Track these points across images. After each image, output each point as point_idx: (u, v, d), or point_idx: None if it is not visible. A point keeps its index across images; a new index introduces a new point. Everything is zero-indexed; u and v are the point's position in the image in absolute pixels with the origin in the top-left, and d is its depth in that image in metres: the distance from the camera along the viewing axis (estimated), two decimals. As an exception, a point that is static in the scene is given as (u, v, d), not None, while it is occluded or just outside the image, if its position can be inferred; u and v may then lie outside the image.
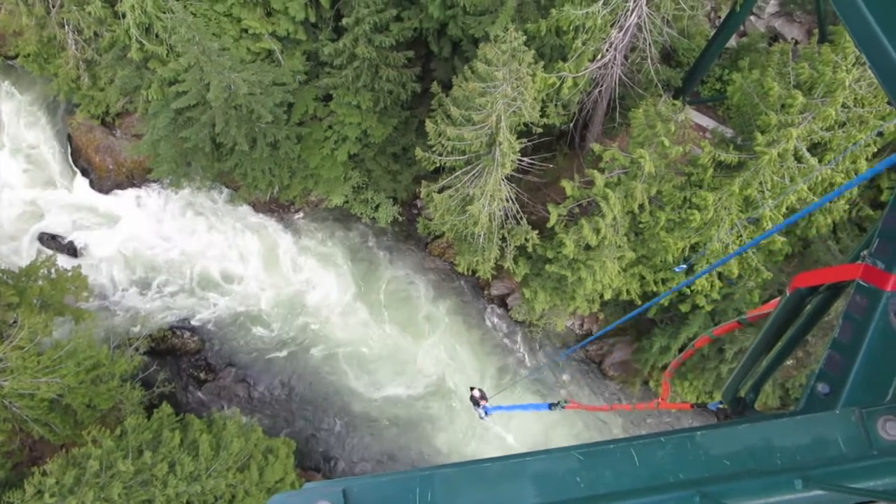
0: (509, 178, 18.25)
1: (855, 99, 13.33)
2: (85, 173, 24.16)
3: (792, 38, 21.87)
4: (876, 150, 14.63)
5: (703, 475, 1.89)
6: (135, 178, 24.07)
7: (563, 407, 6.53)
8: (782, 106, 13.52)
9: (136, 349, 21.23)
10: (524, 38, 14.97)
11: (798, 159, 14.08)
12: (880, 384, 2.20)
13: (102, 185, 24.02)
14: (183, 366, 23.33)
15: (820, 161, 13.68)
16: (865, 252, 2.64)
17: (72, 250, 23.58)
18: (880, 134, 14.28)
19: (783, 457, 1.93)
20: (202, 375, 23.29)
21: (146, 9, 17.70)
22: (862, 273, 2.54)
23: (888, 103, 12.42)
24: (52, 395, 17.18)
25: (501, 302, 24.12)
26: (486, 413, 9.26)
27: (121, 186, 24.13)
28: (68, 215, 23.94)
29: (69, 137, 24.18)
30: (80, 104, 22.75)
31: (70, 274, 20.61)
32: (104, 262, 23.72)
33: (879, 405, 1.99)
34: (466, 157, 17.77)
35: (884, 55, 2.54)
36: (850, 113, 13.42)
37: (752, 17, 22.21)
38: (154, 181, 23.80)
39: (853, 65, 12.81)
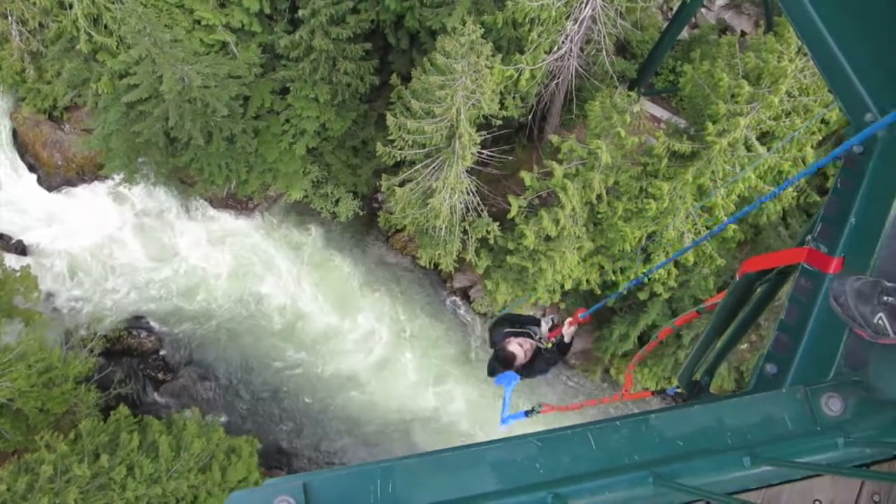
0: (470, 171, 18.31)
1: (800, 88, 13.76)
2: (32, 169, 23.28)
3: (740, 30, 22.42)
4: (821, 137, 15.14)
5: (657, 456, 1.95)
6: (85, 174, 23.31)
7: (538, 413, 6.71)
8: (732, 96, 13.88)
9: (91, 350, 20.65)
10: (482, 30, 15.01)
11: (748, 148, 14.48)
12: (824, 363, 2.29)
13: (51, 181, 23.21)
14: (140, 366, 22.80)
15: (773, 152, 14.10)
16: (810, 237, 2.74)
17: (20, 249, 22.74)
18: (825, 122, 14.77)
19: (734, 435, 2.01)
20: (160, 375, 22.80)
21: (94, -1, 17.17)
22: (806, 257, 2.64)
23: (829, 91, 12.84)
24: (2, 399, 16.61)
25: (464, 294, 24.20)
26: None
27: (71, 183, 23.35)
28: (16, 213, 23.05)
29: (14, 133, 23.26)
30: (25, 98, 21.89)
31: (19, 274, 19.89)
32: (55, 261, 22.97)
33: (823, 383, 2.07)
34: (427, 150, 17.76)
35: (823, 44, 2.63)
36: (796, 102, 13.85)
37: (702, 10, 22.68)
38: (106, 177, 23.08)
39: (796, 54, 13.22)
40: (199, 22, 19.01)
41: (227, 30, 19.27)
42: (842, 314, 2.12)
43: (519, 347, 5.95)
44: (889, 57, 2.55)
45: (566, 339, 6.27)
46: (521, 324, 6.57)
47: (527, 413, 6.55)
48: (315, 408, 23.09)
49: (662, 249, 17.56)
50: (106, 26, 18.17)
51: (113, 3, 17.37)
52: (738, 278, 3.49)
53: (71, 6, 17.67)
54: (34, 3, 18.25)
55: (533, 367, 6.21)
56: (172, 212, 23.85)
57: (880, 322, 2.00)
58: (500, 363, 5.94)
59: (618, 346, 20.86)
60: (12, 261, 21.55)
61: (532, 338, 6.33)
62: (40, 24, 19.54)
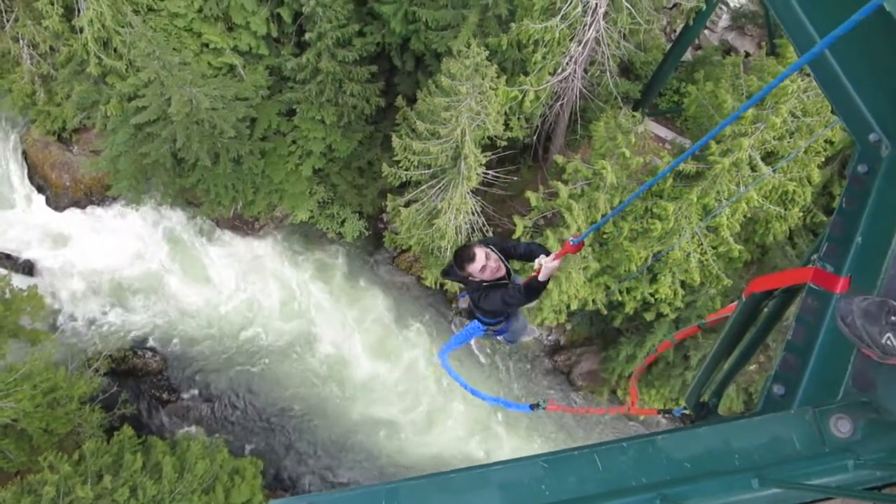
0: (475, 192, 18.37)
1: (803, 109, 13.80)
2: (41, 190, 23.50)
3: (744, 51, 22.57)
4: (825, 157, 15.14)
5: (665, 478, 1.93)
6: (93, 195, 23.49)
7: (543, 408, 6.56)
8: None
9: (96, 370, 20.63)
10: (486, 52, 15.15)
11: (753, 168, 14.49)
12: (832, 384, 2.27)
13: (59, 202, 23.39)
14: (144, 386, 22.76)
15: (775, 171, 14.10)
16: (816, 256, 2.73)
17: (27, 269, 22.86)
18: (830, 142, 14.79)
19: (741, 457, 1.98)
20: (165, 396, 22.73)
21: (105, 23, 17.39)
22: (812, 276, 2.62)
23: (832, 112, 12.89)
24: (7, 420, 16.57)
25: (470, 315, 24.10)
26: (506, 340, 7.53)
27: (78, 204, 23.53)
28: (24, 233, 23.22)
29: (24, 154, 23.52)
30: (35, 120, 22.16)
31: (26, 294, 19.96)
32: (62, 281, 23.06)
33: (831, 404, 2.05)
34: (432, 170, 17.85)
35: (825, 65, 2.65)
36: (800, 122, 13.88)
37: (706, 31, 22.86)
38: (113, 198, 23.26)
39: (798, 74, 13.29)
40: (207, 45, 19.27)
41: (235, 53, 19.52)
42: (849, 334, 2.10)
43: (483, 256, 5.22)
44: (892, 77, 2.56)
45: (541, 277, 5.03)
46: (509, 254, 5.71)
47: (532, 407, 6.47)
48: (319, 429, 22.95)
49: (668, 269, 17.51)
50: (116, 50, 18.42)
51: (123, 27, 17.62)
52: (744, 298, 3.47)
53: (81, 30, 17.94)
54: (45, 28, 18.54)
55: (488, 292, 5.45)
56: (178, 232, 23.96)
57: (888, 342, 1.99)
58: (455, 259, 5.29)
59: (624, 367, 20.71)
60: (19, 281, 21.65)
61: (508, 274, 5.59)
62: (51, 48, 19.84)
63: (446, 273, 5.87)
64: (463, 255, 5.25)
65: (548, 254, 5.20)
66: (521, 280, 5.72)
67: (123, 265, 23.47)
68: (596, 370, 22.99)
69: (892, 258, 2.18)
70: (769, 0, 2.82)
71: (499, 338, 7.29)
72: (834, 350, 2.34)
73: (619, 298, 19.03)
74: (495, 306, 5.52)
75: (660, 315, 18.81)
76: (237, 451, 21.81)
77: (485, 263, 5.23)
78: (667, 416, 19.72)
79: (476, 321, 6.68)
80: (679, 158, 2.68)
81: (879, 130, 2.65)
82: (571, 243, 4.54)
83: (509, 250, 5.72)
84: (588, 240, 17.42)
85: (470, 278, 5.42)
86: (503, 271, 5.45)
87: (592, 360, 23.28)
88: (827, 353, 2.39)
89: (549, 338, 24.02)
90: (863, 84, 2.66)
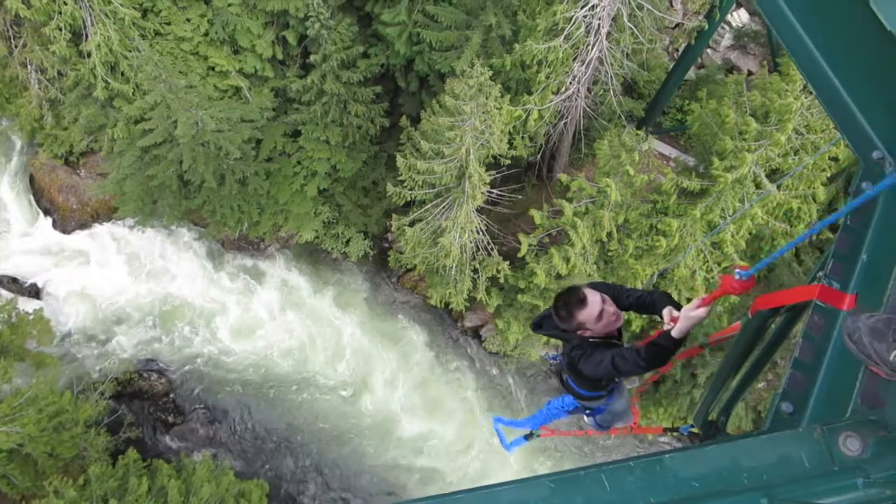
0: (480, 210, 18.41)
1: (807, 126, 13.82)
2: (48, 213, 23.67)
3: (746, 70, 22.66)
4: (831, 174, 15.12)
5: (672, 498, 1.91)
6: (100, 217, 23.64)
7: (537, 435, 6.45)
8: (739, 133, 13.96)
9: (102, 393, 20.60)
10: (490, 72, 15.27)
11: (757, 185, 14.48)
12: (841, 401, 2.25)
13: (66, 225, 23.55)
14: (150, 409, 22.69)
15: (779, 188, 14.09)
16: (821, 273, 2.72)
17: (34, 292, 22.95)
18: (835, 159, 14.78)
19: (750, 476, 1.96)
20: (170, 418, 22.65)
21: (112, 48, 17.65)
22: (818, 294, 2.61)
23: (836, 129, 12.89)
24: (12, 445, 16.52)
25: (475, 334, 24.05)
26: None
27: (85, 226, 23.67)
28: (30, 257, 23.35)
29: (31, 178, 23.74)
30: (42, 144, 22.40)
31: (32, 317, 20.02)
32: (68, 304, 23.13)
33: (840, 422, 2.03)
34: (436, 189, 17.91)
35: (827, 84, 2.66)
36: (804, 139, 13.89)
37: (708, 50, 23.00)
38: (120, 220, 23.41)
39: (801, 91, 13.32)
40: (212, 68, 19.50)
41: (241, 75, 19.74)
42: (856, 352, 2.08)
43: (599, 300, 4.00)
44: (894, 94, 2.57)
45: (675, 333, 3.64)
46: (619, 303, 4.30)
47: (526, 437, 6.38)
48: (327, 451, 22.78)
49: (674, 287, 17.43)
50: (122, 73, 18.67)
51: (130, 51, 17.87)
52: (749, 316, 3.46)
53: (89, 55, 18.20)
54: (53, 53, 18.82)
55: (593, 352, 4.07)
56: (184, 254, 24.05)
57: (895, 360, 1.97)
58: (559, 305, 4.01)
59: (632, 386, 20.54)
60: (26, 304, 21.73)
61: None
62: (59, 73, 20.11)
63: (538, 325, 4.63)
64: (571, 298, 3.97)
65: (677, 306, 3.94)
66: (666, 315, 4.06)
67: (129, 287, 23.54)
68: (603, 390, 22.79)
69: None
70: (769, 18, 2.84)
71: (587, 419, 5.94)
72: (842, 367, 2.32)
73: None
74: (601, 372, 4.02)
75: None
76: (243, 473, 21.66)
77: (602, 308, 3.97)
78: (674, 434, 19.50)
79: (565, 396, 5.37)
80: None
81: (883, 148, 2.65)
82: (738, 278, 3.03)
83: (620, 298, 4.34)
84: (593, 257, 17.40)
85: (578, 331, 4.11)
86: (620, 322, 4.18)
87: (599, 379, 23.10)
88: (835, 370, 2.37)
89: (555, 359, 23.88)
90: (865, 102, 2.66)
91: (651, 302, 4.28)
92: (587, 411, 5.61)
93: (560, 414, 5.71)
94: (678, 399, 19.77)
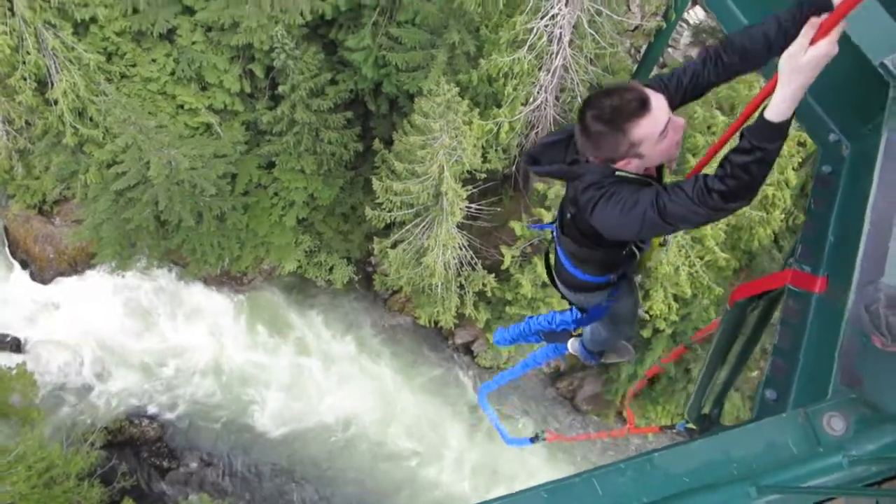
0: (460, 226, 18.46)
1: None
2: (24, 265, 23.30)
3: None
4: (800, 160, 15.37)
5: (664, 495, 1.91)
6: (78, 264, 23.33)
7: (543, 439, 6.41)
8: (708, 128, 14.17)
9: (92, 444, 20.19)
10: (457, 89, 15.41)
11: (730, 178, 14.68)
12: (822, 383, 2.27)
13: (44, 275, 23.19)
14: (144, 455, 22.27)
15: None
16: (792, 259, 2.76)
17: (15, 346, 22.52)
18: (802, 144, 15.03)
19: (739, 466, 1.97)
20: (165, 463, 22.25)
21: (79, 93, 17.55)
22: (791, 279, 2.65)
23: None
24: (3, 504, 16.14)
25: (467, 350, 23.99)
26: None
27: (64, 275, 23.33)
28: (9, 311, 22.94)
29: (5, 230, 23.41)
30: (14, 195, 22.12)
31: (14, 372, 19.65)
32: (51, 355, 22.71)
33: (822, 403, 2.05)
34: (415, 209, 17.97)
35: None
36: (772, 129, 14.12)
37: (669, 49, 23.38)
38: (98, 266, 23.12)
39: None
40: (182, 106, 19.45)
41: (210, 111, 19.70)
42: (868, 321, 2.06)
43: (667, 107, 2.44)
44: (844, 78, 2.62)
45: (776, 110, 2.04)
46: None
47: (532, 440, 6.33)
48: (328, 491, 22.48)
49: (660, 284, 17.56)
50: (91, 118, 18.55)
51: (97, 95, 17.78)
52: (729, 308, 3.50)
53: (56, 102, 18.09)
54: (19, 103, 18.68)
55: (619, 193, 2.45)
56: (166, 295, 23.78)
57: None
58: (602, 109, 2.37)
59: (627, 387, 20.56)
60: (7, 359, 21.33)
61: None
62: (27, 122, 19.93)
63: (534, 160, 2.80)
64: (626, 100, 2.35)
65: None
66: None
67: (113, 333, 23.20)
68: (600, 393, 22.80)
69: (863, 253, 2.19)
70: (716, 14, 2.90)
71: (575, 346, 4.77)
72: (820, 349, 2.35)
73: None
74: (629, 224, 2.41)
75: (656, 331, 18.77)
76: (243, 512, 21.32)
77: (669, 119, 2.41)
78: (672, 432, 19.56)
79: (553, 315, 4.27)
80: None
81: (838, 131, 2.71)
82: None
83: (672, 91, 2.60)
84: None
85: (614, 161, 2.50)
86: (678, 150, 2.59)
87: (595, 383, 23.11)
88: (814, 353, 2.40)
89: (548, 365, 23.86)
90: (816, 87, 2.72)
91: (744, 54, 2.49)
92: (576, 324, 4.26)
93: (546, 356, 4.68)
94: (675, 396, 19.81)
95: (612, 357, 4.78)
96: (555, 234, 3.27)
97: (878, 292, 2.03)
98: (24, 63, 17.25)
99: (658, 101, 2.39)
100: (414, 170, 16.54)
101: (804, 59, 1.93)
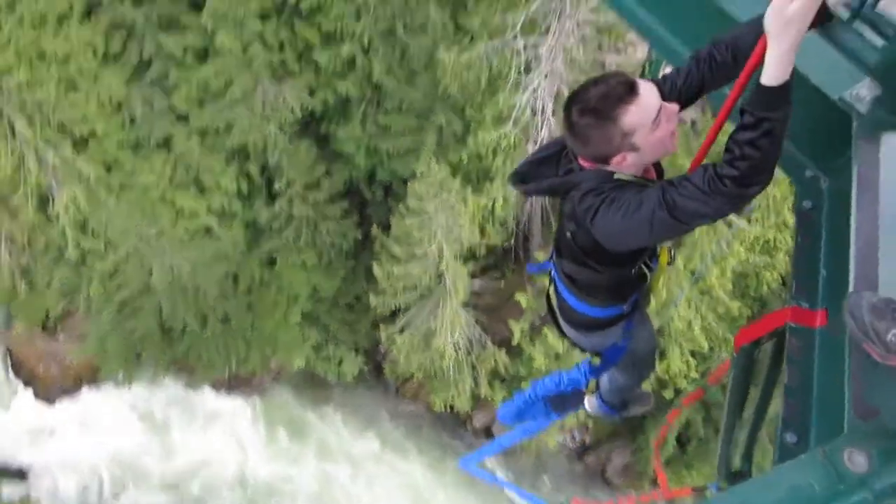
0: (466, 305, 18.40)
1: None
2: (28, 385, 22.86)
3: (690, 119, 23.53)
4: (794, 200, 15.41)
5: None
6: (83, 380, 23.00)
7: None
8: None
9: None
10: (449, 168, 15.74)
11: (728, 224, 14.68)
12: (839, 417, 2.14)
13: (49, 394, 22.77)
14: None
15: (749, 221, 14.30)
16: (790, 296, 2.72)
17: (20, 474, 21.84)
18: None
19: (764, 514, 1.83)
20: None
21: (80, 206, 17.86)
22: (791, 316, 2.63)
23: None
24: None
25: (487, 432, 23.22)
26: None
27: (69, 392, 22.92)
28: (13, 436, 22.38)
29: (9, 352, 23.23)
30: (17, 314, 22.16)
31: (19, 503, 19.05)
32: (58, 480, 21.99)
33: (840, 438, 1.94)
34: (419, 291, 17.99)
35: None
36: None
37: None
38: (104, 381, 22.81)
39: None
40: (181, 211, 19.75)
41: (209, 213, 19.98)
42: (855, 329, 1.96)
43: (657, 92, 2.27)
44: (814, 115, 2.63)
45: (771, 74, 1.86)
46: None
47: None
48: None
49: (675, 342, 17.26)
50: (92, 232, 18.80)
51: (98, 208, 18.08)
52: (735, 354, 3.39)
53: (57, 217, 18.39)
54: (22, 222, 18.99)
55: (620, 196, 2.22)
56: (178, 405, 23.32)
57: (892, 339, 1.87)
58: (588, 100, 2.23)
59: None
60: (13, 489, 20.69)
61: None
62: (29, 241, 20.20)
63: (521, 178, 2.65)
64: (612, 86, 2.22)
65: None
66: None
67: (127, 451, 22.55)
68: (630, 463, 21.97)
69: (854, 284, 2.14)
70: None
71: (593, 404, 4.28)
72: (830, 383, 2.24)
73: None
74: (635, 229, 2.21)
75: (678, 391, 18.29)
76: None
77: (661, 106, 2.26)
78: (704, 493, 18.65)
79: (560, 376, 3.83)
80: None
81: (813, 167, 2.73)
82: None
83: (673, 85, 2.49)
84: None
85: (607, 159, 2.33)
86: (675, 143, 2.38)
87: (624, 453, 22.30)
88: (825, 388, 2.29)
89: (574, 439, 23.10)
90: (792, 129, 2.77)
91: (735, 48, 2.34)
92: (591, 375, 3.72)
93: (545, 419, 3.88)
94: (708, 457, 19.07)
95: (634, 408, 4.34)
96: (553, 271, 2.98)
97: (860, 299, 1.95)
98: (24, 181, 17.64)
99: (646, 86, 2.25)
100: (413, 252, 16.65)
101: (791, 9, 1.78)
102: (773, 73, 1.84)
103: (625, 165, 2.31)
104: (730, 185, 1.94)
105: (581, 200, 2.33)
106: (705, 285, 15.76)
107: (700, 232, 14.45)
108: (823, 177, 2.70)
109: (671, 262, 2.91)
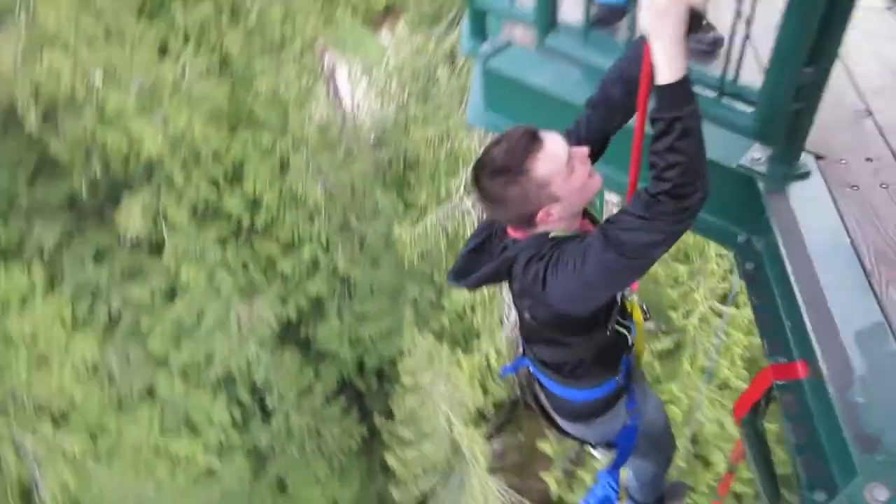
0: (491, 471, 17.52)
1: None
2: None
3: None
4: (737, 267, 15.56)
5: None
6: None
7: None
8: (675, 280, 14.46)
9: None
10: (433, 337, 15.74)
11: (719, 315, 14.62)
12: (851, 458, 2.03)
13: None
14: None
15: (737, 307, 14.25)
16: (765, 357, 2.69)
17: None
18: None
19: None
20: None
21: (68, 487, 16.98)
22: (773, 374, 2.59)
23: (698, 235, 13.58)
24: None
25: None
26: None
27: None
28: None
29: None
30: None
31: None
32: None
33: (857, 480, 1.87)
34: (439, 470, 17.21)
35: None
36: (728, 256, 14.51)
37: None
38: None
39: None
40: (176, 460, 18.97)
41: (207, 452, 19.25)
42: None
43: (563, 139, 2.18)
44: (725, 191, 2.74)
45: (664, 74, 1.83)
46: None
47: None
48: None
49: (712, 446, 16.42)
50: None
51: (87, 483, 17.21)
52: (739, 427, 3.24)
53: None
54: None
55: (561, 254, 2.07)
56: None
57: None
58: (494, 161, 2.12)
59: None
60: None
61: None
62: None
63: (460, 274, 2.46)
64: (514, 140, 2.11)
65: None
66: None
67: None
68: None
69: (810, 321, 2.22)
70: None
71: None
72: (834, 428, 2.11)
73: (690, 502, 17.33)
74: (591, 277, 2.03)
75: (736, 495, 17.06)
76: None
77: (570, 151, 2.16)
78: None
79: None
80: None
81: (743, 231, 2.85)
82: None
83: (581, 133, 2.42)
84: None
85: (531, 220, 2.20)
86: (599, 184, 2.27)
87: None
88: (831, 434, 2.15)
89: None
90: (705, 205, 2.88)
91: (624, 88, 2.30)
92: (613, 474, 3.15)
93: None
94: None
95: (672, 502, 3.89)
96: (531, 366, 2.71)
97: None
98: (3, 475, 16.70)
99: (549, 134, 2.14)
100: (422, 431, 16.15)
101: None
102: (666, 71, 1.80)
103: (553, 221, 2.18)
104: (667, 201, 1.82)
105: (525, 272, 2.18)
106: (720, 380, 15.34)
107: (693, 329, 14.35)
108: (755, 238, 2.78)
109: (647, 317, 2.77)
